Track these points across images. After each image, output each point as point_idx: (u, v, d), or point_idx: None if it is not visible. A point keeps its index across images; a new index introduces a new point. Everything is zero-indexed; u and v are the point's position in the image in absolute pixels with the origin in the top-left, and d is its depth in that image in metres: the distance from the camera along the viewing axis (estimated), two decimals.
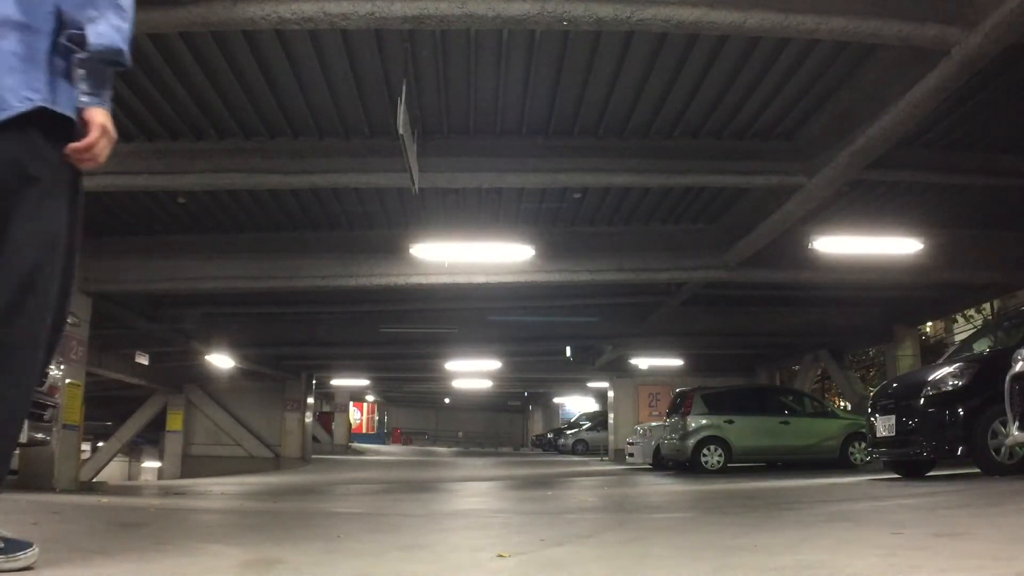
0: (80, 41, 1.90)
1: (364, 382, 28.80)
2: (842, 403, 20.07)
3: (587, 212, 10.02)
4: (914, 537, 2.82)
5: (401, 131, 5.83)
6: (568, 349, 18.29)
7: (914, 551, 2.46)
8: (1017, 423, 5.16)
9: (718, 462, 12.51)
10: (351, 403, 36.09)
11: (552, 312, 15.51)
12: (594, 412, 31.16)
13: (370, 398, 41.34)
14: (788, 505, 5.01)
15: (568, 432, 30.92)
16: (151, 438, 25.06)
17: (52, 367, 6.62)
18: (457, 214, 9.77)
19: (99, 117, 1.94)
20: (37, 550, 2.13)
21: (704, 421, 12.89)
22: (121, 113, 7.23)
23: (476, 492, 8.58)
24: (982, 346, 7.76)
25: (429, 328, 16.01)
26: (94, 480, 18.16)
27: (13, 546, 2.06)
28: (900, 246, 9.79)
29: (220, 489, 10.12)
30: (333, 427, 31.74)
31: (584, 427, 30.11)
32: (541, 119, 7.53)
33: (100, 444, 24.07)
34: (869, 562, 2.27)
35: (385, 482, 11.53)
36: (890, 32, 5.22)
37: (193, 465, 20.98)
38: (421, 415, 47.83)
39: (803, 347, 18.19)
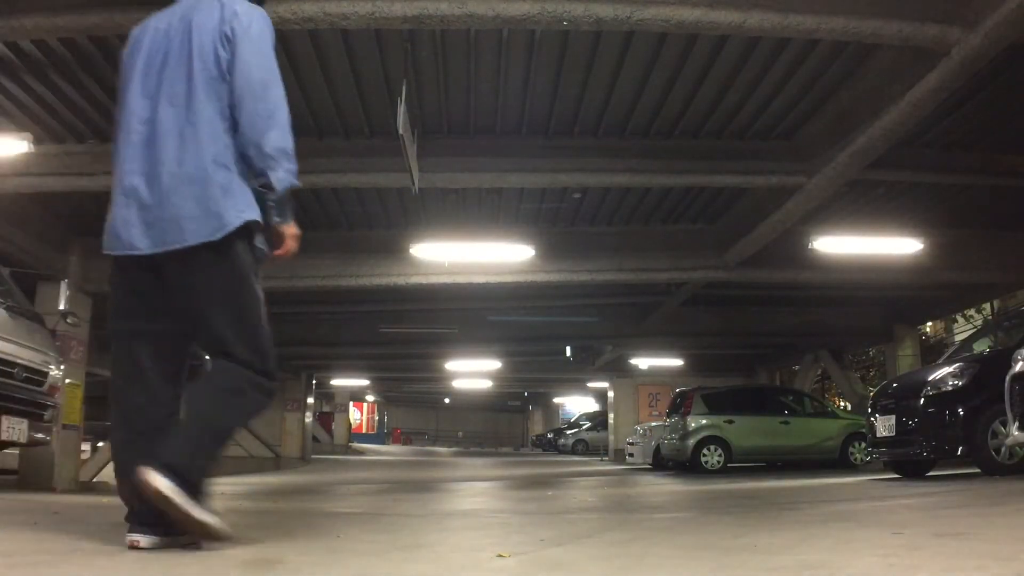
0: (268, 186, 2.57)
1: (364, 382, 28.82)
2: (842, 403, 20.07)
3: (587, 212, 10.02)
4: (914, 537, 2.82)
5: (401, 131, 5.83)
6: (568, 349, 18.30)
7: (914, 551, 2.46)
8: (1017, 423, 5.17)
9: (718, 462, 12.52)
10: (351, 403, 36.12)
11: (552, 312, 15.51)
12: (594, 412, 31.17)
13: (370, 398, 41.36)
14: (788, 505, 5.01)
15: (568, 432, 30.95)
16: None
17: (53, 367, 6.64)
18: (457, 214, 9.77)
19: (288, 231, 2.67)
20: None
21: (704, 421, 12.90)
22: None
23: (476, 492, 8.58)
24: (982, 346, 7.77)
25: (429, 328, 16.01)
26: (94, 480, 18.14)
27: None
28: (900, 246, 9.80)
29: (220, 489, 10.12)
30: (333, 427, 31.75)
31: (584, 427, 30.13)
32: (541, 119, 7.53)
33: (100, 444, 24.03)
34: (869, 562, 2.27)
35: (385, 482, 11.53)
36: (890, 32, 5.22)
37: None
38: (421, 415, 47.85)
39: (803, 347, 18.19)
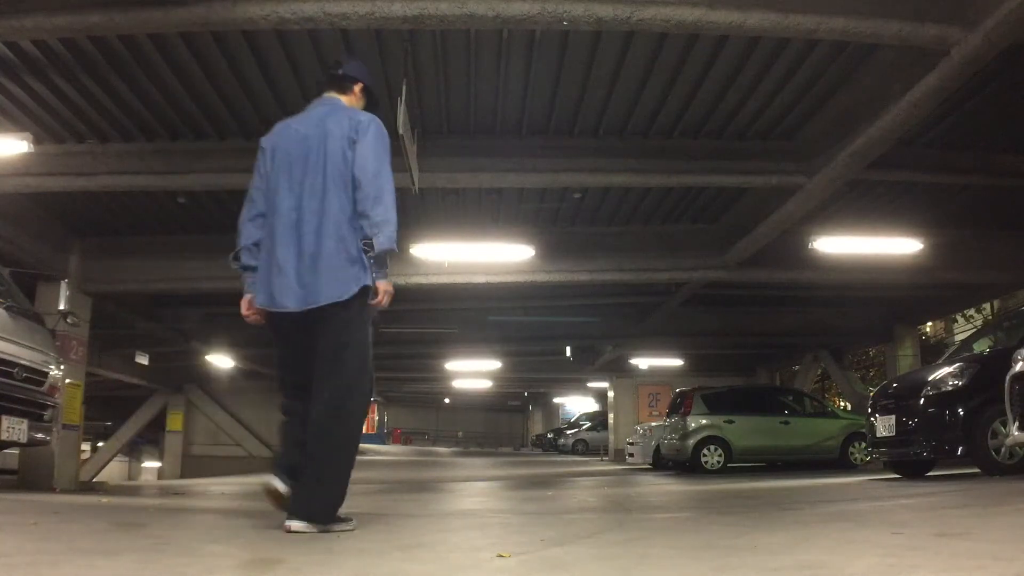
0: (371, 246, 3.27)
1: None
2: (842, 403, 20.07)
3: (587, 212, 10.02)
4: (914, 537, 2.82)
5: (401, 131, 5.83)
6: (568, 349, 18.29)
7: (914, 551, 2.46)
8: (1017, 423, 5.16)
9: (718, 462, 12.51)
10: None
11: (552, 312, 15.51)
12: (594, 412, 31.16)
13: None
14: (788, 505, 5.01)
15: (568, 432, 30.92)
16: (151, 438, 25.03)
17: (53, 367, 6.64)
18: (457, 214, 9.77)
19: (384, 286, 3.35)
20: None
21: (704, 421, 12.89)
22: (121, 113, 7.25)
23: (476, 492, 8.57)
24: (982, 346, 7.76)
25: (429, 328, 16.00)
26: (94, 480, 18.16)
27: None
28: (900, 246, 9.79)
29: (220, 489, 10.12)
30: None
31: (584, 427, 30.12)
32: (541, 119, 7.54)
33: (100, 444, 24.04)
34: (869, 562, 2.27)
35: (385, 482, 11.52)
36: (890, 32, 5.22)
37: (193, 465, 20.96)
38: (421, 415, 47.82)
39: (803, 347, 18.19)
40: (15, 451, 8.94)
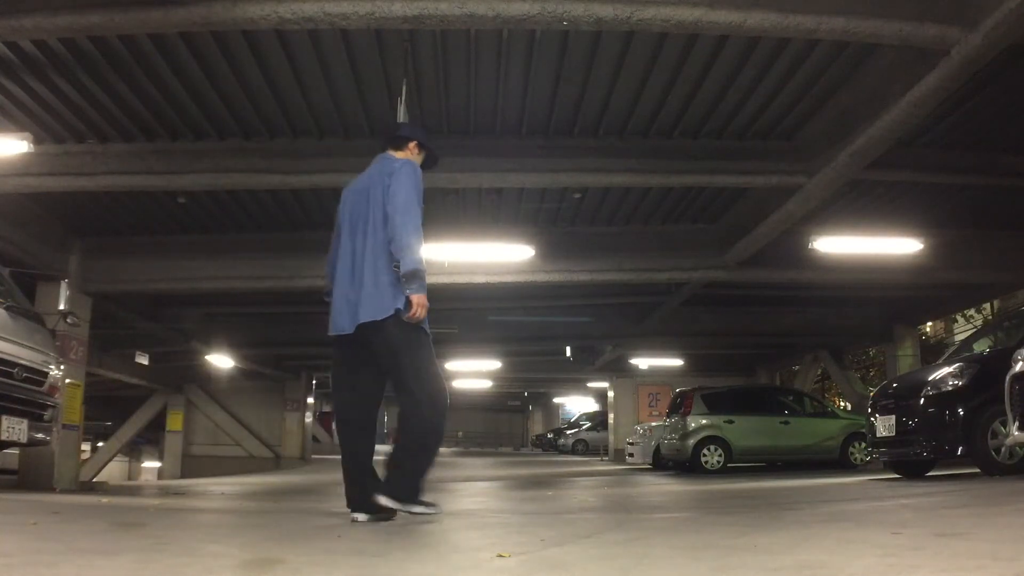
0: (398, 267, 3.75)
1: None
2: (842, 403, 20.07)
3: (587, 212, 10.02)
4: (914, 537, 2.82)
5: None
6: (568, 349, 18.29)
7: (914, 551, 2.46)
8: (1017, 423, 5.16)
9: (718, 462, 12.50)
10: None
11: (552, 312, 15.50)
12: (594, 412, 31.15)
13: None
14: (788, 505, 5.01)
15: (568, 432, 30.91)
16: (151, 438, 25.04)
17: (53, 367, 6.63)
18: (457, 214, 9.77)
19: (416, 299, 3.76)
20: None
21: (704, 421, 12.89)
22: (121, 113, 7.25)
23: (476, 492, 8.57)
24: (982, 346, 7.75)
25: (429, 328, 15.98)
26: (94, 480, 18.16)
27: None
28: (900, 246, 9.79)
29: (220, 489, 10.12)
30: (333, 427, 31.74)
31: (584, 427, 30.11)
32: (541, 119, 7.53)
33: (100, 444, 24.05)
34: (869, 562, 2.27)
35: None
36: (890, 32, 5.22)
37: (193, 465, 20.97)
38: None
39: (803, 347, 18.19)
40: (15, 451, 8.94)
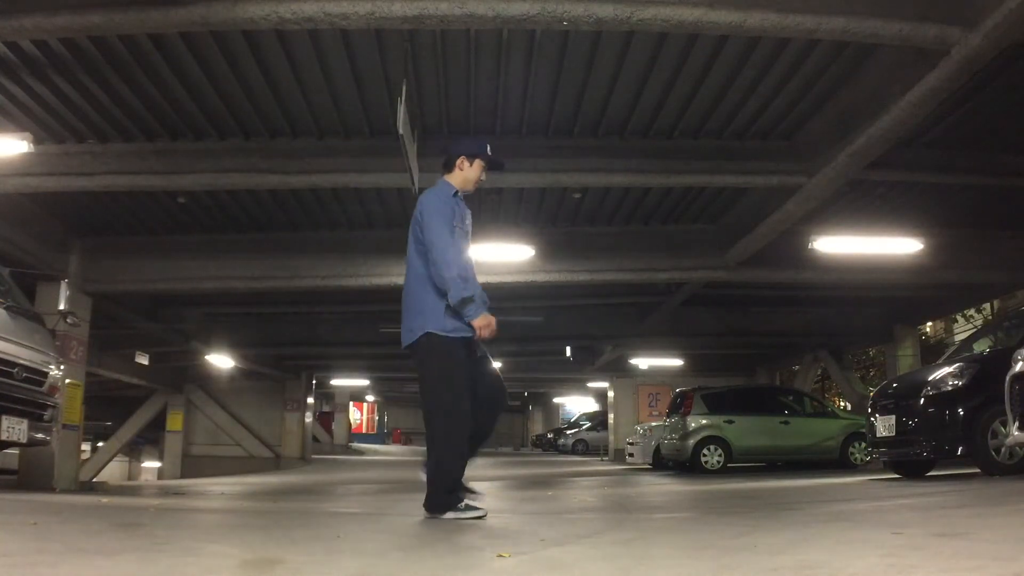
0: (446, 299, 3.91)
1: (364, 382, 28.78)
2: (842, 403, 20.07)
3: (587, 212, 10.02)
4: (914, 537, 2.82)
5: (401, 131, 5.83)
6: (568, 349, 18.28)
7: (914, 551, 2.46)
8: (1017, 423, 5.16)
9: (718, 462, 12.50)
10: (351, 403, 36.07)
11: (552, 312, 15.50)
12: (594, 412, 31.14)
13: (370, 398, 41.30)
14: (788, 505, 5.01)
15: (568, 432, 30.91)
16: (151, 438, 25.04)
17: (53, 367, 6.64)
18: None
19: (478, 323, 3.95)
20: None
21: (704, 421, 12.88)
22: (121, 113, 7.25)
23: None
24: (982, 346, 7.75)
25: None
26: (94, 480, 18.16)
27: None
28: (900, 246, 9.79)
29: (220, 489, 10.12)
30: (333, 427, 31.70)
31: (584, 427, 30.10)
32: (541, 119, 7.54)
33: (100, 444, 24.05)
34: (869, 562, 2.27)
35: (385, 482, 11.52)
36: (890, 32, 5.22)
37: (193, 465, 20.96)
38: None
39: (803, 347, 18.19)
40: (15, 451, 8.94)
